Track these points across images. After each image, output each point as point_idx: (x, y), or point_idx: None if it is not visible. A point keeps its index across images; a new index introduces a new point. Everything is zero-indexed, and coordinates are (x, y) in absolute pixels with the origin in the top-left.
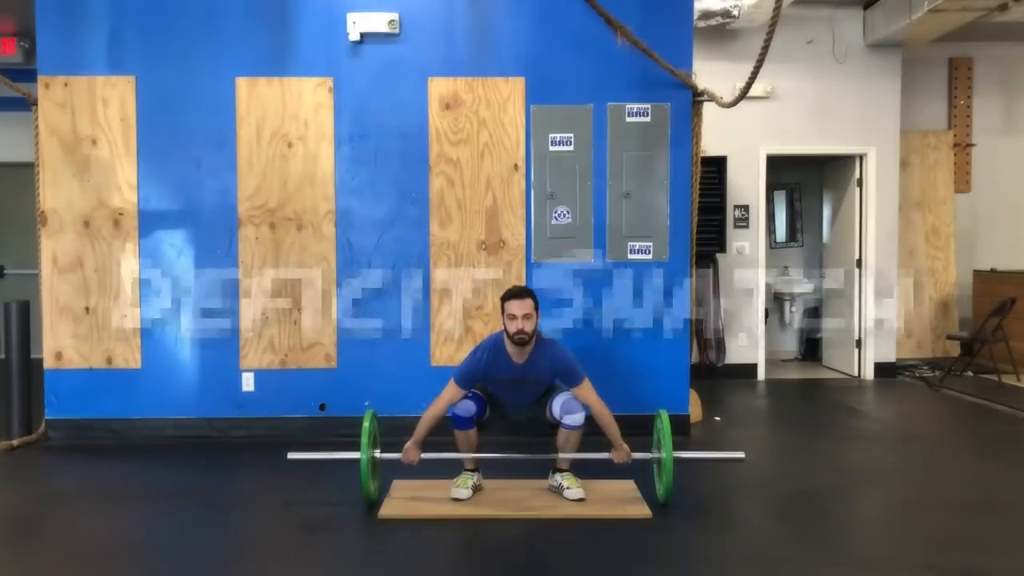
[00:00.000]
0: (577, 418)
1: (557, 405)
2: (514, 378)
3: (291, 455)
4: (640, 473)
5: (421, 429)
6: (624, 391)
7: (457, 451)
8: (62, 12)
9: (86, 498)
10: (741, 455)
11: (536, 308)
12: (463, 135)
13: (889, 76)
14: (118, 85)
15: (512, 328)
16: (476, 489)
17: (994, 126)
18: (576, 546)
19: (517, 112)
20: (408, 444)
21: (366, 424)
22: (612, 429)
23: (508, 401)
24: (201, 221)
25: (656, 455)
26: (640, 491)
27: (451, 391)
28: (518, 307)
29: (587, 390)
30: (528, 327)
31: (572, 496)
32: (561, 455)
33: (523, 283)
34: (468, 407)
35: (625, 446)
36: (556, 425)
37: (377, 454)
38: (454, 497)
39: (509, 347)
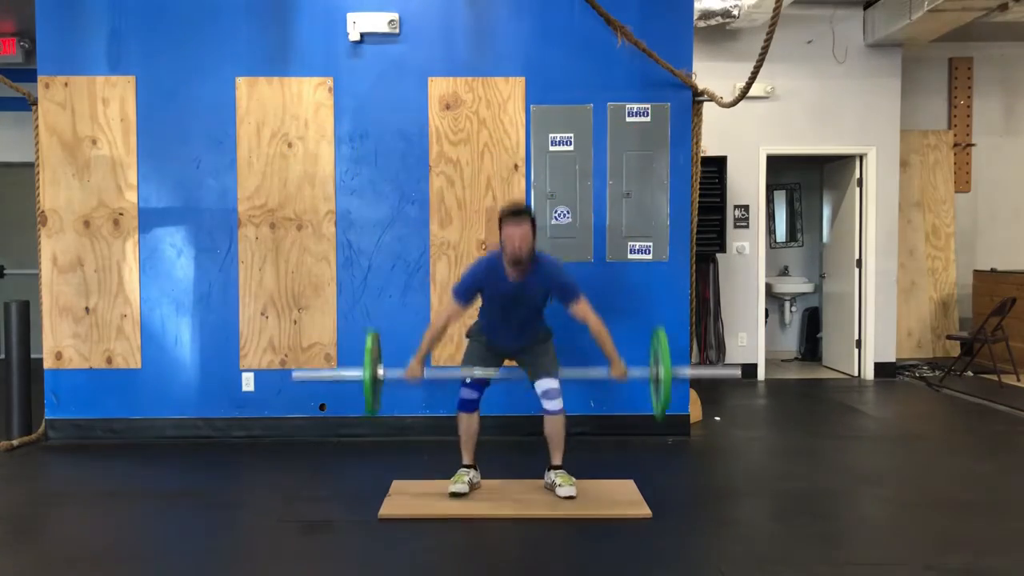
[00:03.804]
0: (555, 403)
1: (539, 388)
2: (510, 295)
3: (296, 374)
4: (640, 472)
5: (424, 345)
6: (624, 391)
7: (457, 438)
8: (62, 12)
9: (86, 498)
10: (737, 373)
11: (533, 228)
12: (463, 135)
13: (889, 76)
14: (118, 85)
15: (510, 248)
16: (473, 486)
17: (994, 126)
18: (576, 546)
19: (517, 112)
20: (412, 361)
21: (368, 344)
22: (608, 345)
23: (502, 333)
24: (201, 221)
25: (654, 372)
26: (640, 490)
27: (450, 306)
28: (516, 229)
29: (584, 306)
30: (525, 247)
31: (563, 494)
32: (553, 450)
33: None
34: (471, 393)
35: (621, 362)
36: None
37: (380, 372)
38: (452, 491)
39: (506, 265)
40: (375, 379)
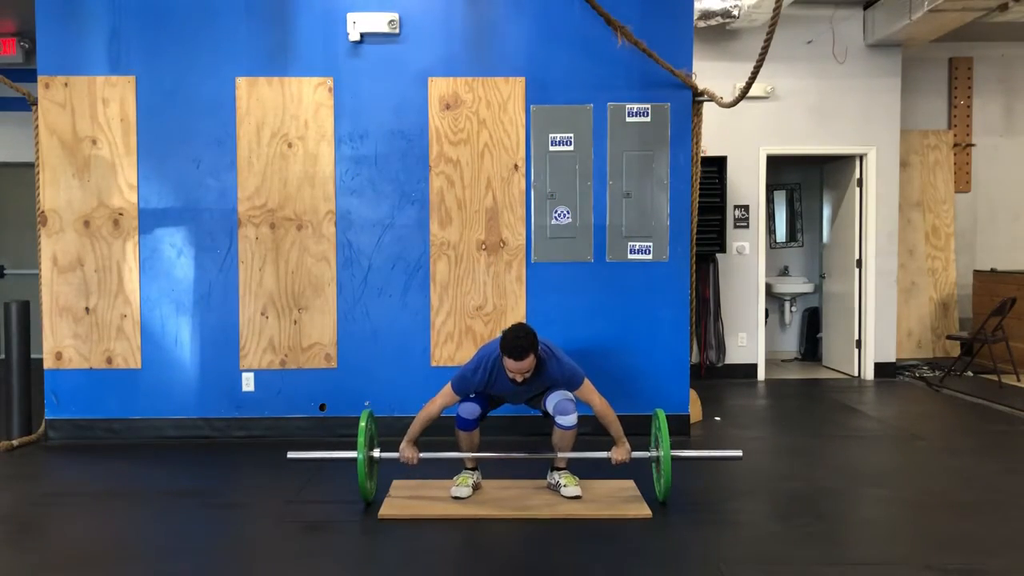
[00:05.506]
0: (569, 419)
1: (551, 403)
2: (511, 391)
3: (291, 454)
4: (640, 472)
5: (415, 428)
6: (624, 391)
7: (457, 450)
8: (62, 12)
9: (86, 498)
10: (739, 454)
11: (535, 352)
12: (463, 135)
13: (889, 76)
14: (118, 85)
15: (510, 375)
16: (476, 488)
17: (994, 126)
18: (576, 546)
19: (517, 112)
20: (403, 444)
21: (363, 424)
22: (615, 427)
23: (507, 397)
24: (201, 221)
25: (654, 454)
26: (640, 491)
27: (447, 396)
28: (518, 364)
29: (588, 391)
30: (527, 373)
31: (568, 494)
32: (559, 453)
33: (522, 282)
34: (473, 409)
35: (627, 444)
36: (551, 417)
37: (375, 453)
38: (454, 496)
39: (508, 373)
40: (370, 460)
